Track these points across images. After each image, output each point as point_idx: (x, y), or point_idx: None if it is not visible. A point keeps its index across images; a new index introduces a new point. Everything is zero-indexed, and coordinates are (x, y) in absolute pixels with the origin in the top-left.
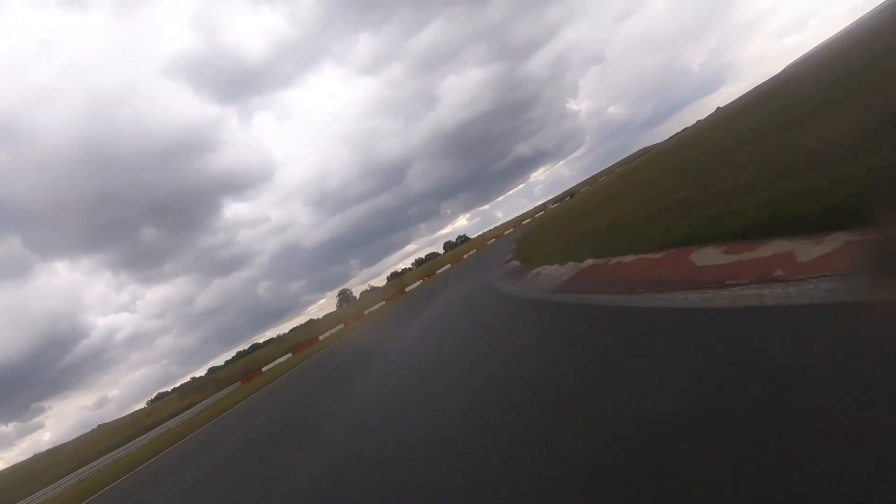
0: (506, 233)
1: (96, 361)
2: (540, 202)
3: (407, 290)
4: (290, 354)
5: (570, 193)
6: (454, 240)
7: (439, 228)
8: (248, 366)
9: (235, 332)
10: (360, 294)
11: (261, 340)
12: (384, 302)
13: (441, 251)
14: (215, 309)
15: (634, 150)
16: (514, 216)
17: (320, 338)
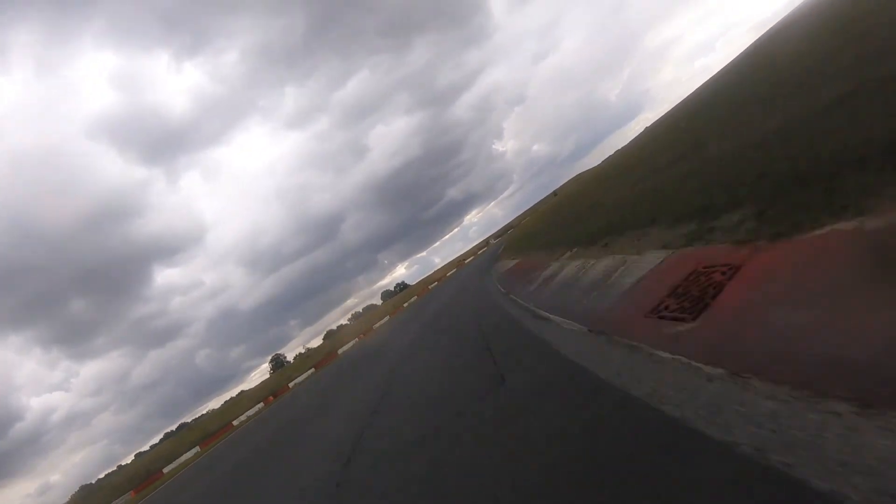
0: (448, 274)
1: (34, 445)
2: (477, 242)
3: (341, 351)
4: (197, 448)
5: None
6: (393, 288)
7: (378, 280)
8: (151, 464)
9: (178, 405)
10: (295, 357)
11: (197, 415)
12: (313, 369)
13: (379, 302)
14: (154, 382)
15: (561, 183)
16: (452, 258)
17: (234, 422)
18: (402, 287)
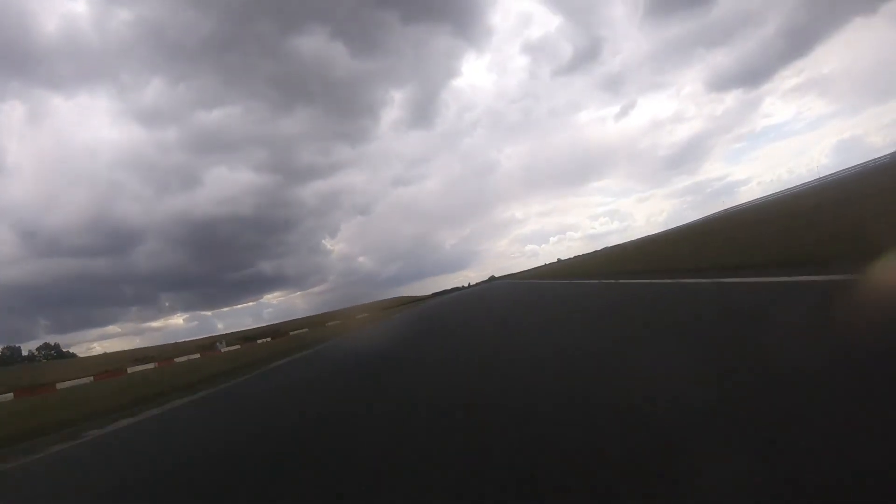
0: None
1: None
2: (264, 324)
3: None
4: None
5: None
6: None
7: (151, 319)
8: None
9: None
10: None
11: None
12: None
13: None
14: None
15: (367, 301)
16: (234, 330)
17: None
18: None
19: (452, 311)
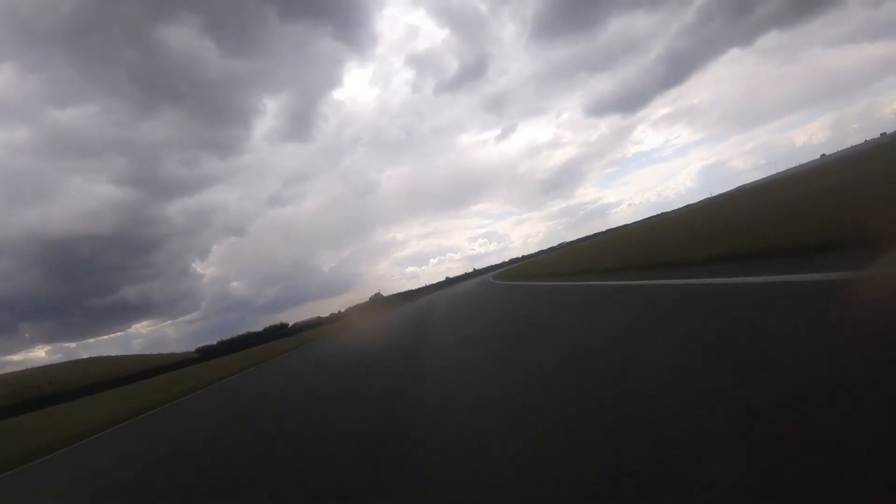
0: None
1: None
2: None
3: None
4: None
5: None
6: None
7: (11, 352)
8: None
9: None
10: None
11: None
12: None
13: None
14: None
15: (241, 331)
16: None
17: None
18: None
19: None
